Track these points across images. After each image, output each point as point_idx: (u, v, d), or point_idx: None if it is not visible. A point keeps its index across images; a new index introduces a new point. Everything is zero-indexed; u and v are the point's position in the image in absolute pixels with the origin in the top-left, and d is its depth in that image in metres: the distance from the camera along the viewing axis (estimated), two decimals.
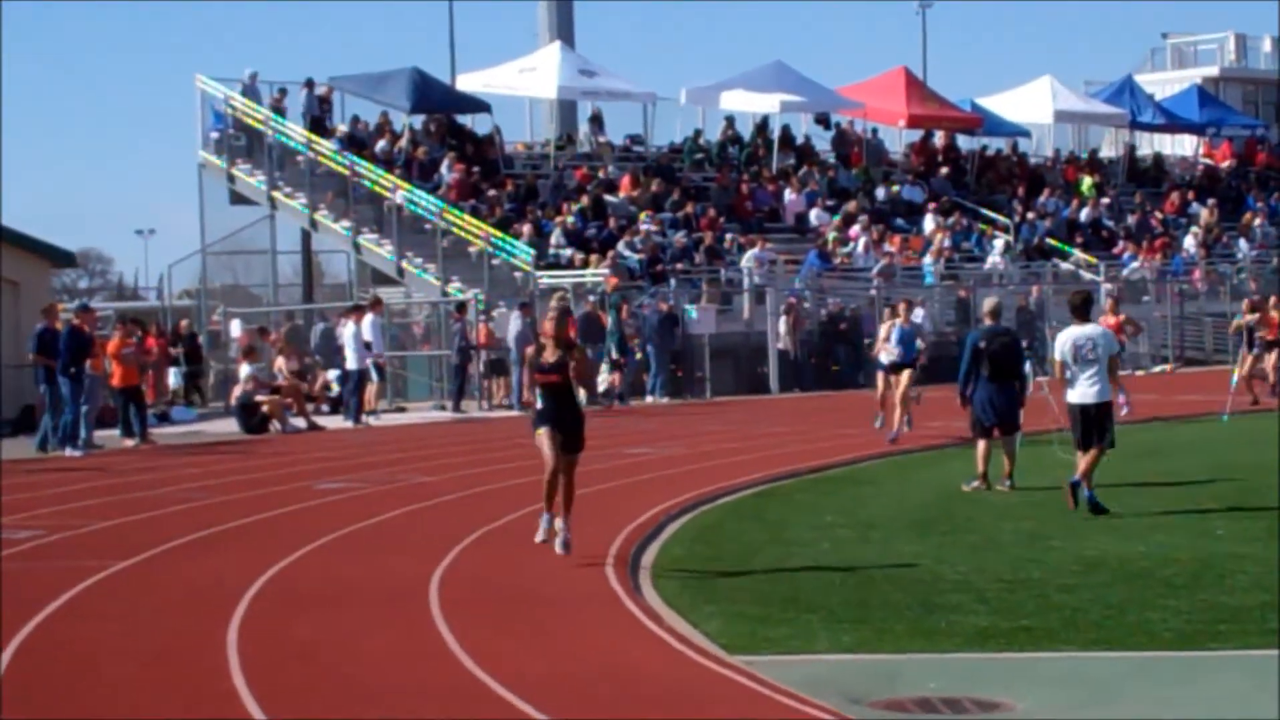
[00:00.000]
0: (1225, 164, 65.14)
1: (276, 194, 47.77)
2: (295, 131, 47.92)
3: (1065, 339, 19.40)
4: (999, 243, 52.36)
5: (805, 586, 14.95)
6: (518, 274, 43.34)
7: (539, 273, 42.69)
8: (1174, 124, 65.32)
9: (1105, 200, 58.20)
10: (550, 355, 16.19)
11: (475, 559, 16.79)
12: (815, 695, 10.91)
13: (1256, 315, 36.01)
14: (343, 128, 49.17)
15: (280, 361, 36.76)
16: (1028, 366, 22.76)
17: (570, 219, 46.06)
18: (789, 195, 52.22)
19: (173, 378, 42.66)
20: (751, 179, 52.48)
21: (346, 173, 46.33)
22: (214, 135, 49.27)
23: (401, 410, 39.46)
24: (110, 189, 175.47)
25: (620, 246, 44.63)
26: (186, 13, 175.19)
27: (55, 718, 10.84)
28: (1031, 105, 60.95)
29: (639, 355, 40.97)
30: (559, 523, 16.16)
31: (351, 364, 35.73)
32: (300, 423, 34.59)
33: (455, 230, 44.32)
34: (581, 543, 16.24)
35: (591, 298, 40.82)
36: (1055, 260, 53.22)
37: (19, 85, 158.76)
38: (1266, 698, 10.97)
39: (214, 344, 45.66)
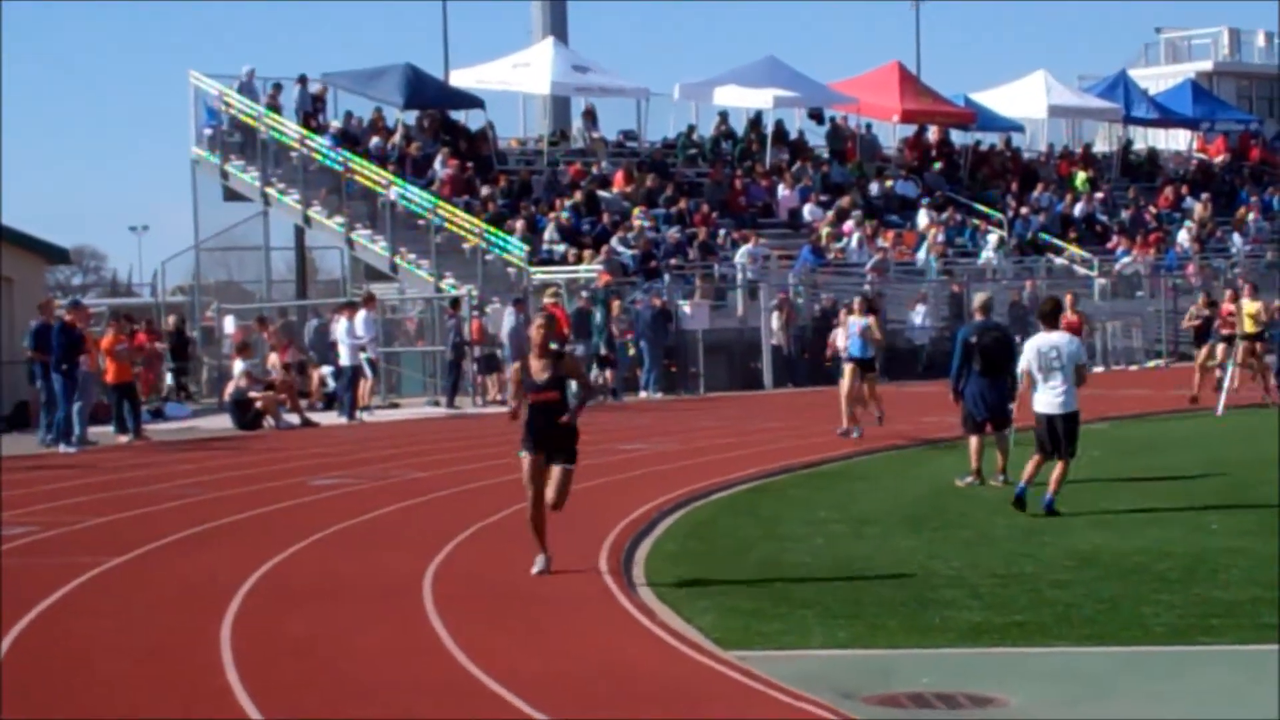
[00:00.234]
0: (1219, 158, 65.17)
1: (270, 190, 47.75)
2: (289, 127, 47.91)
3: (1030, 347, 19.07)
4: (993, 238, 52.37)
5: (799, 582, 14.96)
6: (511, 270, 43.34)
7: (532, 268, 42.69)
8: (1168, 119, 65.34)
9: (1099, 195, 58.26)
10: (541, 371, 15.18)
11: (469, 555, 16.79)
12: (809, 690, 10.91)
13: (1212, 309, 35.66)
14: (336, 124, 49.18)
15: (274, 358, 36.75)
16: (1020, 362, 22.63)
17: (564, 214, 46.06)
18: (782, 190, 52.25)
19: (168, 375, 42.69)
20: (745, 174, 52.51)
21: (340, 169, 46.34)
22: (207, 132, 49.24)
23: (395, 406, 39.45)
24: (104, 186, 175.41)
25: (614, 242, 44.64)
26: (180, 9, 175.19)
27: (50, 714, 10.84)
28: (1025, 100, 60.96)
29: (632, 351, 40.96)
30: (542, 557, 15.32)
31: (345, 360, 35.73)
32: (294, 419, 34.58)
33: (449, 226, 44.33)
34: (575, 539, 16.24)
35: (585, 294, 40.82)
36: (1049, 255, 53.24)
37: (13, 83, 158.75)
38: (1259, 692, 10.98)
39: (208, 340, 45.63)
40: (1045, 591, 14.22)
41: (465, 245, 44.09)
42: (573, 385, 15.78)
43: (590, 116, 53.73)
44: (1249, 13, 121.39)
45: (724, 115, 55.56)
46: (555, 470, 15.22)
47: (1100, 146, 65.59)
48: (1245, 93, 74.45)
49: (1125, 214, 57.43)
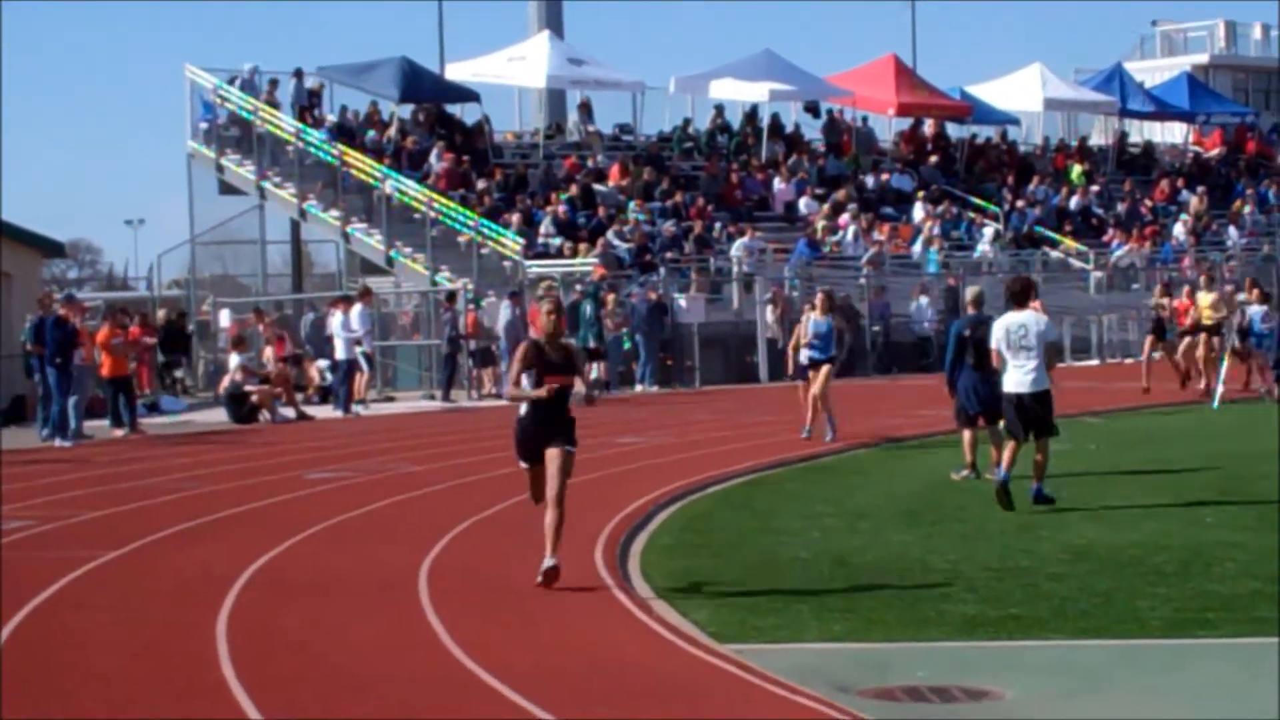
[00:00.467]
0: (1215, 152, 65.16)
1: (266, 184, 47.74)
2: (285, 121, 47.89)
3: (999, 326, 18.96)
4: (988, 231, 52.37)
5: (794, 575, 14.96)
6: (507, 263, 43.34)
7: (528, 262, 42.68)
8: (1164, 111, 65.33)
9: (1095, 188, 58.25)
10: (555, 352, 14.38)
11: (464, 549, 16.79)
12: (804, 684, 10.91)
13: (1168, 301, 35.47)
14: (331, 117, 49.16)
15: (269, 351, 36.74)
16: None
17: (560, 208, 46.05)
18: (778, 184, 52.24)
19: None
20: (741, 168, 52.51)
21: (335, 162, 46.33)
22: (203, 126, 49.24)
23: (391, 400, 39.45)
24: (100, 180, 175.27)
25: (609, 235, 44.64)
26: (176, 4, 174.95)
27: (46, 707, 10.83)
28: (1021, 93, 60.96)
29: (627, 344, 40.96)
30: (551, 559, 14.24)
31: (340, 354, 35.72)
32: (289, 412, 34.58)
33: (444, 220, 44.32)
34: (570, 533, 16.20)
35: (579, 287, 40.83)
36: (1045, 248, 53.23)
37: (9, 77, 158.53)
38: (1256, 686, 10.98)
39: (204, 334, 45.63)
40: (1041, 585, 14.22)
41: (461, 239, 44.10)
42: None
43: (586, 110, 53.73)
44: (1245, 5, 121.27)
45: (720, 108, 55.56)
46: (557, 452, 14.33)
47: (1096, 139, 65.59)
48: (1241, 85, 74.40)
49: (1121, 207, 57.42)
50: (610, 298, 40.37)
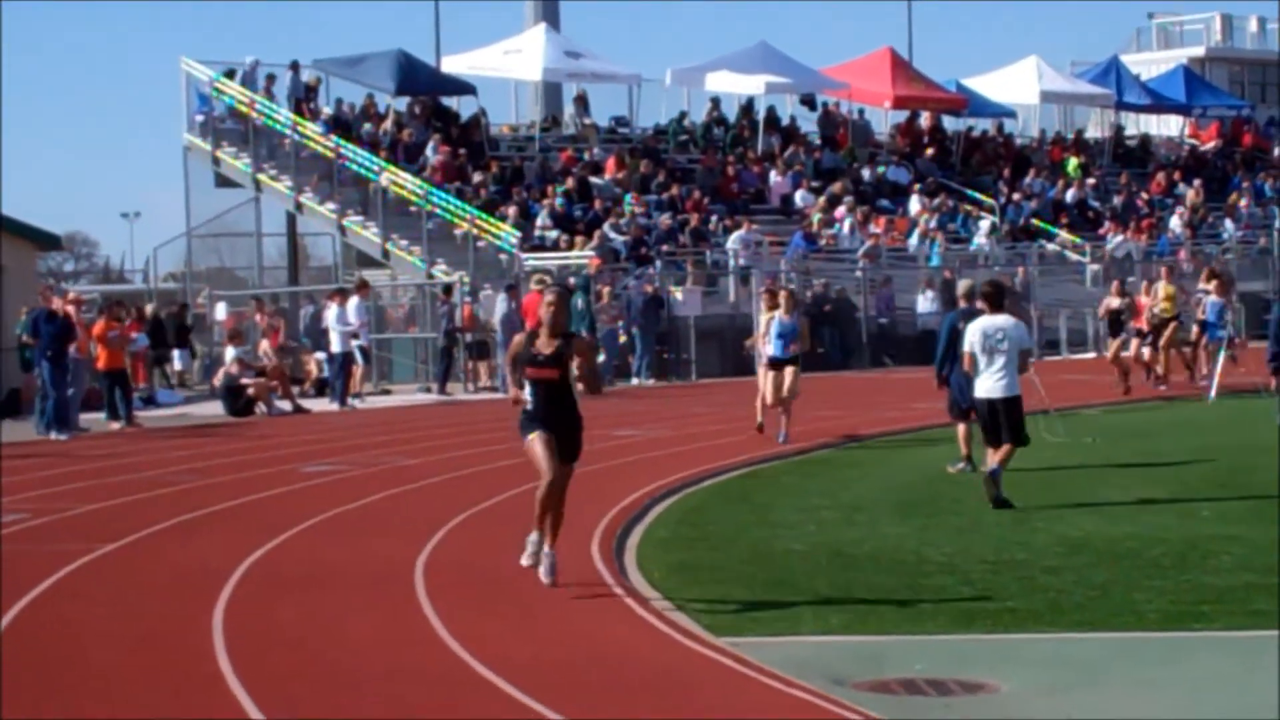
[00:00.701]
0: (1211, 144, 65.16)
1: (262, 176, 47.71)
2: (281, 114, 47.86)
3: (975, 329, 18.68)
4: (985, 224, 52.39)
5: (790, 568, 14.96)
6: (503, 256, 43.33)
7: (524, 255, 42.67)
8: (1160, 104, 65.31)
9: (1091, 181, 58.24)
10: (545, 346, 13.75)
11: (460, 542, 16.79)
12: (801, 677, 10.91)
13: (1125, 300, 35.23)
14: (327, 110, 49.12)
15: (265, 344, 36.73)
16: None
17: (556, 201, 46.04)
18: (774, 177, 52.23)
19: (178, 361, 42.91)
20: (737, 160, 52.49)
21: (332, 155, 46.29)
22: (199, 118, 49.20)
23: (387, 393, 39.44)
24: (96, 172, 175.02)
25: (605, 228, 44.63)
26: None
27: (41, 701, 10.82)
28: (1017, 86, 60.93)
29: (623, 338, 40.94)
30: (547, 547, 14.01)
31: (336, 347, 35.70)
32: (285, 405, 34.57)
33: (440, 213, 44.30)
34: (567, 525, 16.17)
35: (572, 279, 40.82)
36: (1041, 241, 53.23)
37: (4, 69, 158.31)
38: (1252, 679, 10.99)
39: (199, 327, 45.62)
40: (1037, 578, 14.22)
41: (457, 232, 44.09)
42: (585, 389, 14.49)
43: (582, 103, 53.70)
44: None
45: (716, 101, 55.54)
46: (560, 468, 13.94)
47: (1092, 132, 65.60)
48: (1237, 78, 74.39)
49: (1117, 200, 57.43)
50: (605, 291, 40.35)
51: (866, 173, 54.47)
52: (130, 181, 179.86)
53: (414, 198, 44.78)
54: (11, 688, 11.00)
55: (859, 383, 39.54)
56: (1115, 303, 34.87)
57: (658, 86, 54.88)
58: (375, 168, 45.51)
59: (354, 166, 46.13)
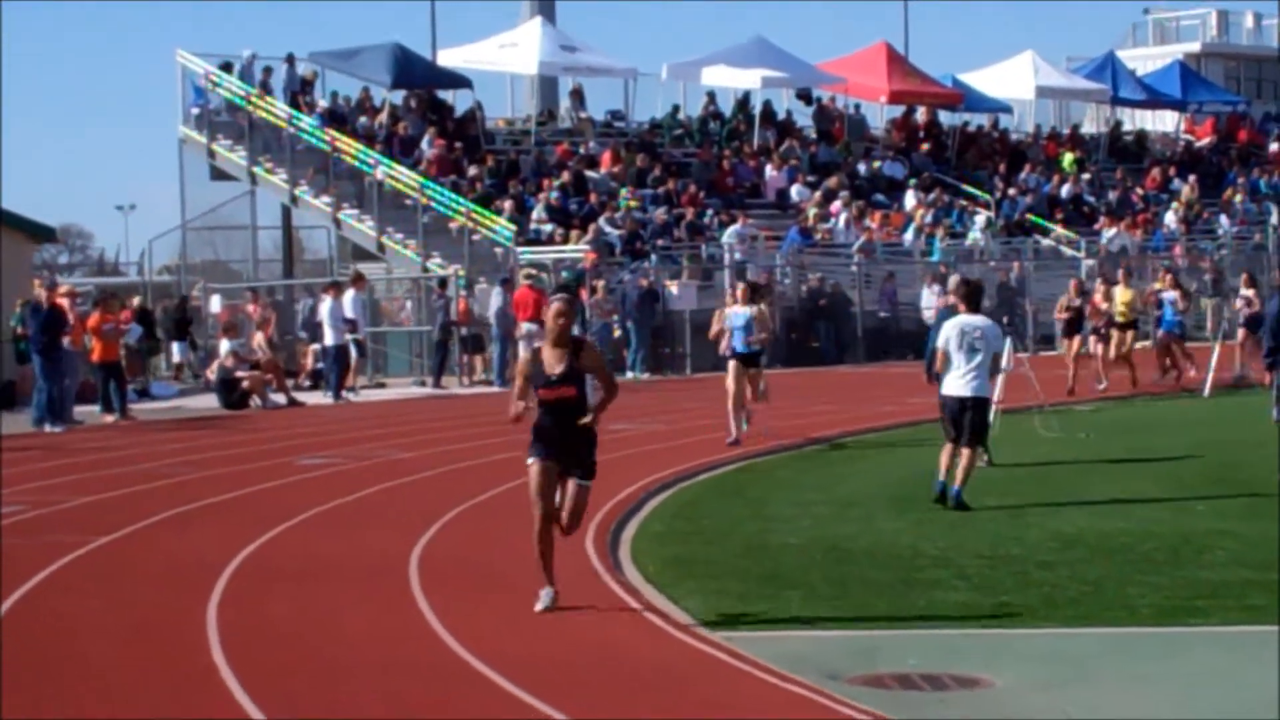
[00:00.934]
0: (1207, 140, 65.14)
1: (257, 169, 47.68)
2: (276, 107, 47.83)
3: (952, 326, 18.45)
4: (980, 219, 52.34)
5: (785, 563, 14.97)
6: (498, 250, 43.30)
7: (520, 248, 42.65)
8: (1156, 100, 65.27)
9: (1086, 176, 58.22)
10: (556, 364, 12.88)
11: (455, 535, 16.79)
12: (795, 671, 10.91)
13: (1083, 300, 34.94)
14: (323, 103, 49.09)
15: (259, 337, 36.70)
16: (1006, 343, 22.31)
17: (551, 195, 46.01)
18: (770, 171, 52.20)
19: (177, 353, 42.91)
20: (733, 155, 52.45)
21: (327, 148, 46.27)
22: (194, 111, 49.16)
23: (381, 386, 39.42)
24: (91, 164, 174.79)
25: (601, 222, 44.61)
26: None
27: (35, 692, 10.81)
28: (1013, 81, 60.89)
29: (618, 332, 40.92)
30: (548, 586, 12.89)
31: (331, 340, 35.67)
32: (280, 398, 34.55)
33: (436, 206, 44.28)
34: None
35: (564, 274, 40.81)
36: (1036, 236, 53.21)
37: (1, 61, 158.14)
38: (1247, 673, 11.00)
39: (195, 319, 45.58)
40: (1031, 573, 14.23)
41: (453, 225, 44.07)
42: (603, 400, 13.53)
43: (578, 96, 53.64)
44: None
45: (712, 95, 55.47)
46: (570, 485, 13.05)
47: (1088, 128, 65.54)
48: (1233, 74, 74.36)
49: (1113, 195, 57.40)
50: (599, 285, 40.32)
51: (862, 167, 54.44)
52: (125, 174, 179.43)
53: (409, 191, 44.76)
54: (7, 680, 11.00)
55: (854, 377, 39.53)
56: (1076, 301, 34.52)
57: (654, 81, 54.89)
58: (371, 161, 45.49)
59: (349, 160, 46.11)
